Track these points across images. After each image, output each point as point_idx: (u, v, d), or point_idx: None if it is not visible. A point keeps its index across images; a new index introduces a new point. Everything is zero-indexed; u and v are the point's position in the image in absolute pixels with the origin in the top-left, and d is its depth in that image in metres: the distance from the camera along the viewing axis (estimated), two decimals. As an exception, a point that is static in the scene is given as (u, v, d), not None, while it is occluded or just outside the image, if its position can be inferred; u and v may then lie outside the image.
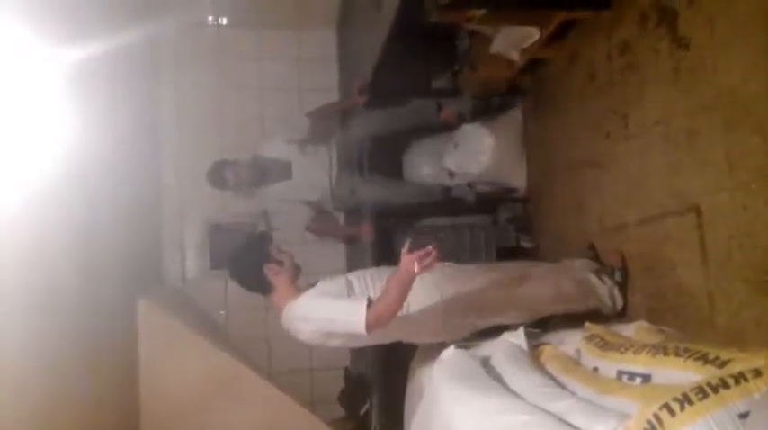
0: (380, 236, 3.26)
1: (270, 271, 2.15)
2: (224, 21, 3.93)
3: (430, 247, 1.88)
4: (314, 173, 3.30)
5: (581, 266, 2.54)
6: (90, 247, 2.43)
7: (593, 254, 2.64)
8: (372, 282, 2.19)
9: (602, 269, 2.52)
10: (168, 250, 3.73)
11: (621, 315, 2.43)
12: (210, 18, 3.91)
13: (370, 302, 1.97)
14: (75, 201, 2.32)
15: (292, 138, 3.31)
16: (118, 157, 2.81)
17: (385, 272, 2.22)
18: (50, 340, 2.07)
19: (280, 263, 2.17)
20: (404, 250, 1.91)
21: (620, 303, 2.44)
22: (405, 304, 2.03)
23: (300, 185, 3.27)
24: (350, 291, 2.14)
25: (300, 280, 2.22)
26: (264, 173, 3.25)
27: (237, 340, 3.52)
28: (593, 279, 2.46)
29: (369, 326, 1.94)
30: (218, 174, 3.17)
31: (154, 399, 2.82)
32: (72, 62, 2.24)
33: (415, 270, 1.87)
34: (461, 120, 3.32)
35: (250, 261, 2.18)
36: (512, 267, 2.51)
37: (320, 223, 3.43)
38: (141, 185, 3.44)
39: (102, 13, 2.76)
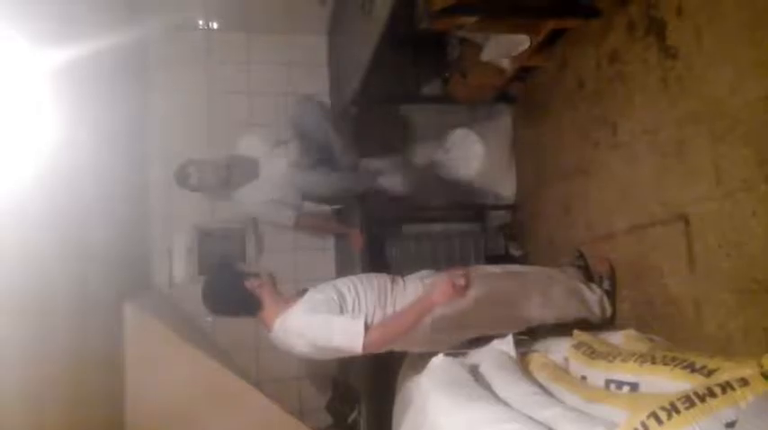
0: (371, 242, 3.26)
1: (252, 284, 2.11)
2: (214, 25, 3.91)
3: (464, 272, 2.00)
4: (279, 170, 3.15)
5: (570, 275, 2.53)
6: (78, 251, 2.41)
7: (581, 261, 2.65)
8: (364, 290, 2.15)
9: (591, 277, 2.53)
10: (156, 255, 3.69)
11: (609, 323, 2.43)
12: (201, 22, 3.90)
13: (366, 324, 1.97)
14: (63, 204, 2.29)
15: (268, 139, 3.24)
16: (105, 160, 2.78)
17: (374, 279, 2.21)
18: (35, 344, 2.05)
19: (256, 274, 2.14)
20: (440, 276, 2.00)
21: (608, 312, 2.44)
22: None
23: (264, 186, 3.14)
24: (342, 304, 2.08)
25: (286, 286, 2.21)
26: (231, 173, 3.10)
27: (225, 347, 3.49)
28: (583, 287, 2.45)
29: (366, 348, 1.95)
30: (181, 173, 3.07)
31: (139, 405, 2.78)
32: (59, 63, 2.22)
33: (453, 295, 1.95)
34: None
35: (228, 286, 2.15)
36: (501, 274, 2.44)
37: (308, 218, 3.29)
38: (129, 190, 3.41)
39: (91, 13, 2.74)
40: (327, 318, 2.01)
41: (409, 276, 2.35)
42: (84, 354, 2.42)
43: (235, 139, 3.35)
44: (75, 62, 2.30)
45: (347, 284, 2.18)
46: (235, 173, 3.10)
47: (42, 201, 2.11)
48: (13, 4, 1.94)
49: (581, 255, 2.67)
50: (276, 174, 3.14)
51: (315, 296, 2.11)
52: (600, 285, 2.48)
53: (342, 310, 2.06)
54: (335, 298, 2.08)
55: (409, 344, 2.24)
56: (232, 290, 2.14)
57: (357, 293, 2.13)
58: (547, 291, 2.36)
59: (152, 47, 3.78)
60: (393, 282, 2.26)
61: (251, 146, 3.21)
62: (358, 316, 2.01)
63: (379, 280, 2.22)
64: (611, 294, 2.46)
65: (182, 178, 3.07)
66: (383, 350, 2.14)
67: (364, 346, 1.95)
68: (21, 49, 1.96)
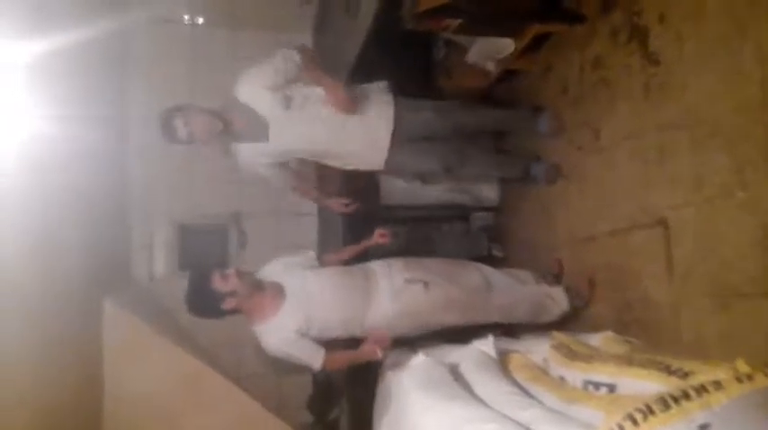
0: (354, 237, 3.24)
1: (228, 305, 2.23)
2: (200, 20, 3.89)
3: (386, 335, 2.25)
4: (298, 132, 2.53)
5: (541, 289, 2.59)
6: (52, 246, 2.38)
7: (556, 273, 2.72)
8: (332, 298, 2.33)
9: (564, 292, 2.56)
10: (136, 250, 3.66)
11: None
12: (186, 17, 3.87)
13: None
14: (40, 198, 2.27)
15: (279, 84, 2.48)
16: (82, 153, 2.74)
17: (341, 282, 2.39)
18: (11, 340, 2.02)
19: (231, 292, 2.21)
20: (367, 343, 2.25)
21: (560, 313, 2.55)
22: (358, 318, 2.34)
23: (275, 152, 2.59)
24: (309, 324, 2.27)
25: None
26: (228, 126, 2.50)
27: (205, 343, 3.47)
28: (550, 304, 2.53)
29: (323, 369, 2.32)
30: (167, 126, 2.45)
31: (118, 402, 2.77)
32: (34, 54, 2.18)
33: (378, 356, 2.22)
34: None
35: (205, 303, 2.25)
36: (473, 277, 2.54)
37: (303, 184, 2.93)
38: (108, 183, 3.37)
39: (72, 5, 2.70)
40: (293, 346, 2.27)
41: (377, 262, 2.52)
42: (62, 352, 2.40)
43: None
44: (53, 54, 2.27)
45: (320, 295, 2.33)
46: (235, 125, 2.52)
47: (19, 194, 2.09)
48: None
49: (559, 266, 2.74)
50: (294, 142, 2.57)
51: (288, 309, 2.28)
52: (572, 302, 2.54)
53: (308, 329, 2.28)
54: (303, 318, 2.27)
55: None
56: (211, 309, 2.26)
57: (324, 304, 2.31)
58: (514, 306, 2.51)
59: (135, 40, 3.74)
60: (367, 282, 2.41)
61: (259, 98, 2.50)
62: (318, 350, 2.28)
63: (351, 295, 2.38)
64: (580, 309, 2.55)
65: (168, 132, 2.47)
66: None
67: (323, 368, 2.31)
68: (1, 42, 1.94)
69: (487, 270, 2.59)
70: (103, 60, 3.28)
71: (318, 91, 2.51)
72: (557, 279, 2.69)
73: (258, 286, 2.28)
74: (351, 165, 2.72)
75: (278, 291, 2.30)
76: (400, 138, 2.59)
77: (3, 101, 2.04)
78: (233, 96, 2.53)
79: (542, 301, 2.52)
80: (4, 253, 1.97)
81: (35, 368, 2.17)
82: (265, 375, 3.50)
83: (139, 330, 2.86)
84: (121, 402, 2.75)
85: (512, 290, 2.54)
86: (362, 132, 2.56)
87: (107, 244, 3.22)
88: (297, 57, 2.48)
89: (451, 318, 2.42)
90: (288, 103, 2.49)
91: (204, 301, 2.23)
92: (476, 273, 2.53)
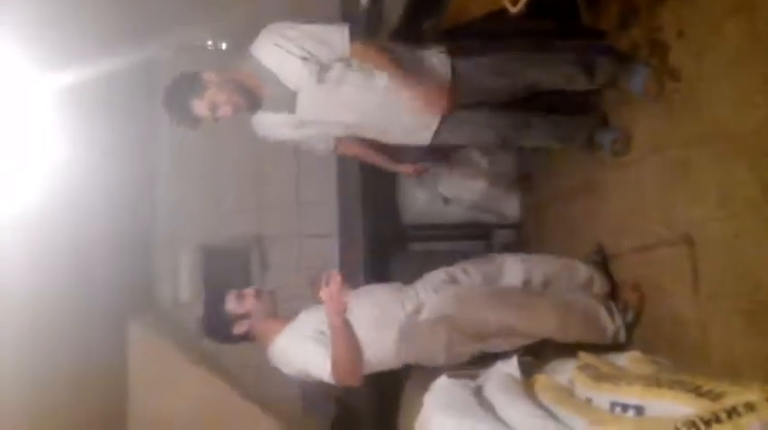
0: (374, 260, 3.25)
1: (239, 330, 2.14)
2: (223, 45, 3.96)
3: (333, 274, 1.89)
4: (337, 105, 2.20)
5: (591, 294, 2.38)
6: (82, 271, 2.42)
7: (597, 257, 2.54)
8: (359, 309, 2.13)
9: (615, 305, 2.35)
10: (161, 274, 3.70)
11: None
12: (210, 42, 3.94)
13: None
14: (67, 222, 2.31)
15: (312, 53, 2.08)
16: (111, 179, 2.80)
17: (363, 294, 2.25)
18: (39, 364, 2.05)
19: (246, 314, 2.14)
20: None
21: (621, 341, 2.29)
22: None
23: (300, 124, 2.26)
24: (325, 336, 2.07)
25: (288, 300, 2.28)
26: (251, 98, 2.17)
27: (229, 367, 3.48)
28: (602, 313, 2.27)
29: (339, 381, 2.03)
30: (178, 103, 2.16)
31: (142, 425, 2.78)
32: (66, 83, 2.25)
33: (333, 307, 1.90)
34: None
35: (217, 327, 2.19)
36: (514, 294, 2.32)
37: (350, 143, 2.50)
38: (134, 207, 3.43)
39: (99, 34, 2.78)
40: (304, 353, 2.06)
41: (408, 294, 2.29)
42: (87, 371, 2.43)
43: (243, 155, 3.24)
44: (83, 83, 2.34)
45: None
46: (259, 93, 2.18)
47: (46, 218, 2.13)
48: (22, 29, 1.98)
49: (599, 250, 2.55)
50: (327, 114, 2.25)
51: (305, 318, 2.16)
52: (624, 317, 2.30)
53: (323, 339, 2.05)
54: (323, 324, 2.05)
55: (430, 359, 2.19)
56: (225, 334, 2.18)
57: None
58: (564, 320, 2.21)
59: (161, 67, 3.82)
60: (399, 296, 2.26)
61: (285, 63, 2.11)
62: (325, 353, 2.02)
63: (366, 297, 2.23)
64: (632, 327, 2.30)
65: (180, 112, 2.18)
66: (364, 373, 2.14)
67: (337, 380, 2.03)
68: (28, 72, 2.00)
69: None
70: (130, 89, 3.36)
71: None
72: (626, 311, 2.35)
73: (275, 312, 2.22)
74: (392, 140, 2.39)
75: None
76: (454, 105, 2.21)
77: (33, 129, 2.10)
78: (253, 56, 2.14)
79: (596, 313, 2.26)
80: (31, 279, 2.01)
81: (61, 392, 2.19)
82: (289, 398, 3.49)
83: (164, 354, 2.89)
84: (146, 425, 2.76)
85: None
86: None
87: (132, 268, 3.27)
88: (347, 36, 2.09)
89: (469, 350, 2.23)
90: (322, 75, 2.10)
91: (216, 324, 2.19)
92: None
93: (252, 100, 2.17)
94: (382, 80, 2.14)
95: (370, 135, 2.39)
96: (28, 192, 2.00)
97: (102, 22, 2.85)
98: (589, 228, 2.71)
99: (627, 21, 2.38)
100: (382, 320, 2.16)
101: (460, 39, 2.50)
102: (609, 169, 2.54)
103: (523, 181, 3.42)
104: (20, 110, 1.98)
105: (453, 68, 2.23)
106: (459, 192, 3.43)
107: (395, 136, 2.37)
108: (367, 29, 2.80)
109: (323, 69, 2.10)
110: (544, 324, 2.19)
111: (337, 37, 2.10)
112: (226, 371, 3.37)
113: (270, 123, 2.28)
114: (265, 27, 2.14)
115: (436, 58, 2.25)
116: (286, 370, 2.16)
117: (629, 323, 2.31)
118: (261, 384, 3.50)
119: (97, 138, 2.61)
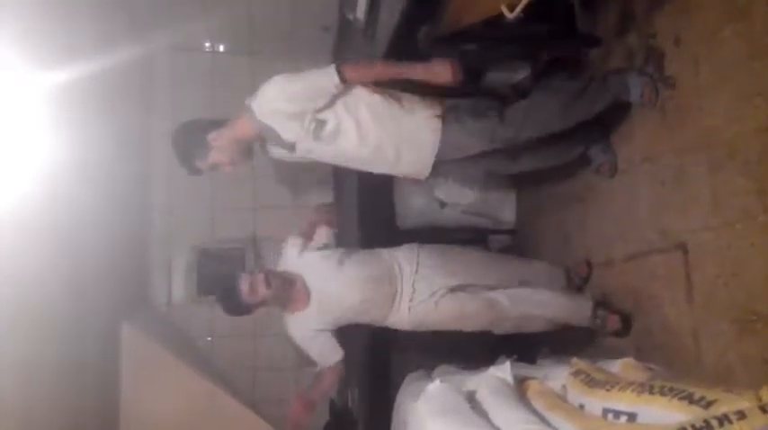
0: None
1: (258, 312, 2.37)
2: (221, 47, 3.96)
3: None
4: (329, 158, 2.33)
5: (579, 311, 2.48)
6: (76, 269, 2.41)
7: (582, 283, 2.66)
8: (359, 307, 2.42)
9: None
10: (155, 274, 3.69)
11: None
12: (207, 44, 3.94)
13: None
14: (61, 222, 2.31)
15: (308, 109, 2.13)
16: (105, 179, 2.80)
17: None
18: (32, 362, 2.04)
19: (261, 302, 2.30)
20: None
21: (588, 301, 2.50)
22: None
23: (301, 162, 2.38)
24: (335, 323, 2.44)
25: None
26: (247, 152, 2.31)
27: (223, 367, 3.47)
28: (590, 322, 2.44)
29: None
30: (186, 159, 2.25)
31: (134, 425, 2.77)
32: (62, 82, 2.24)
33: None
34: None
35: (238, 311, 2.35)
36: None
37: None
38: (129, 207, 3.42)
39: (95, 33, 2.77)
40: (312, 339, 2.41)
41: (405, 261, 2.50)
42: (80, 371, 2.42)
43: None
44: (79, 83, 2.33)
45: (345, 313, 2.43)
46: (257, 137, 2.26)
47: (41, 216, 2.13)
48: (17, 27, 1.98)
49: (588, 265, 2.68)
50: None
51: (309, 320, 2.41)
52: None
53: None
54: (330, 324, 2.43)
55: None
56: (242, 313, 2.37)
57: (350, 319, 2.46)
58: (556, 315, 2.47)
59: (157, 68, 3.81)
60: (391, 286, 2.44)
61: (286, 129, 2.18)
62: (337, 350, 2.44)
63: (376, 302, 2.43)
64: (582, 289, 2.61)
65: (188, 166, 2.28)
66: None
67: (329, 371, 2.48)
68: (22, 70, 1.99)
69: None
70: (125, 88, 3.35)
71: (361, 95, 2.19)
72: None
73: (288, 282, 2.36)
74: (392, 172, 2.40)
75: (304, 284, 2.39)
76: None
77: (27, 127, 2.09)
78: (253, 110, 2.16)
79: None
80: (25, 276, 2.00)
81: (53, 391, 2.18)
82: (281, 400, 3.49)
83: (157, 354, 2.88)
84: (138, 425, 2.75)
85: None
86: (407, 143, 2.25)
87: (126, 268, 3.26)
88: (335, 77, 2.10)
89: (473, 327, 2.47)
90: (318, 132, 2.16)
91: (235, 310, 2.35)
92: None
93: (251, 152, 2.33)
94: (375, 133, 2.19)
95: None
96: (21, 191, 1.99)
97: (98, 21, 2.85)
98: (582, 234, 2.72)
99: (623, 27, 2.39)
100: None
101: (457, 45, 2.51)
102: (602, 177, 2.55)
103: (519, 186, 3.43)
104: (14, 109, 1.97)
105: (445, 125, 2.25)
106: (455, 197, 3.43)
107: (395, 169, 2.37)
108: (363, 38, 2.81)
109: (318, 126, 2.15)
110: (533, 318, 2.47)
111: (327, 80, 2.11)
112: (218, 370, 3.37)
113: (270, 149, 2.34)
114: (264, 84, 2.17)
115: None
116: (293, 341, 2.48)
117: (579, 286, 2.65)
118: (252, 383, 3.50)
119: (92, 138, 2.61)
